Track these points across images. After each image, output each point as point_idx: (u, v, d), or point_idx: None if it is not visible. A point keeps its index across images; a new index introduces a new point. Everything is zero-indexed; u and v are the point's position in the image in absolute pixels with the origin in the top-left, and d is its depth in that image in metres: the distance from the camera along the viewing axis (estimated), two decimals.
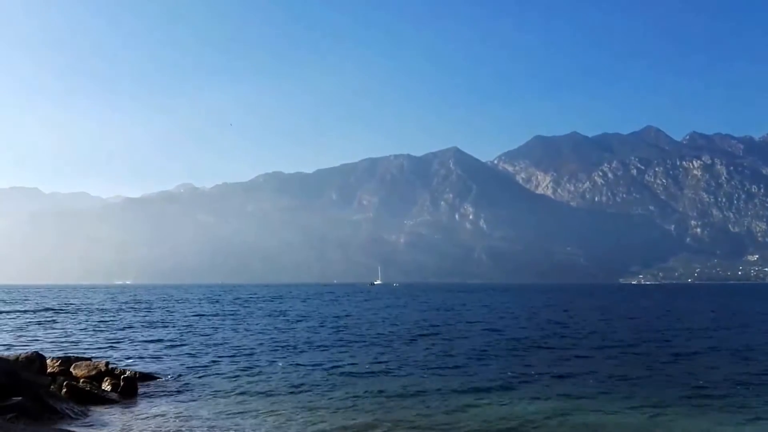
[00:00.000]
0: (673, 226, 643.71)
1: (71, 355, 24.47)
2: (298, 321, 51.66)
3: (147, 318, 55.60)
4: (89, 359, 22.36)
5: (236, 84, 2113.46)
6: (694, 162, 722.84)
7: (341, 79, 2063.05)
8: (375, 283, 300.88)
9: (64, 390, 17.63)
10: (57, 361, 20.98)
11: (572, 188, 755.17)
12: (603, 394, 19.40)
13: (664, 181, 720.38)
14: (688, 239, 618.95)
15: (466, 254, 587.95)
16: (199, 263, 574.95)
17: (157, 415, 16.77)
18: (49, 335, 38.18)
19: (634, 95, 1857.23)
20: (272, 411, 17.23)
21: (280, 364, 25.71)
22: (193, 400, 18.68)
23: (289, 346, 32.41)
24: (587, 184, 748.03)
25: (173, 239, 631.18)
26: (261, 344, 33.12)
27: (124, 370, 21.63)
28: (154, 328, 44.46)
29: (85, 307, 77.18)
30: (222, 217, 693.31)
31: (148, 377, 22.13)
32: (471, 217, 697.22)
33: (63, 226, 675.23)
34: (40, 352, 20.48)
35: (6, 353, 22.80)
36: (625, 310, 71.46)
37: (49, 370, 19.69)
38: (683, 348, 31.62)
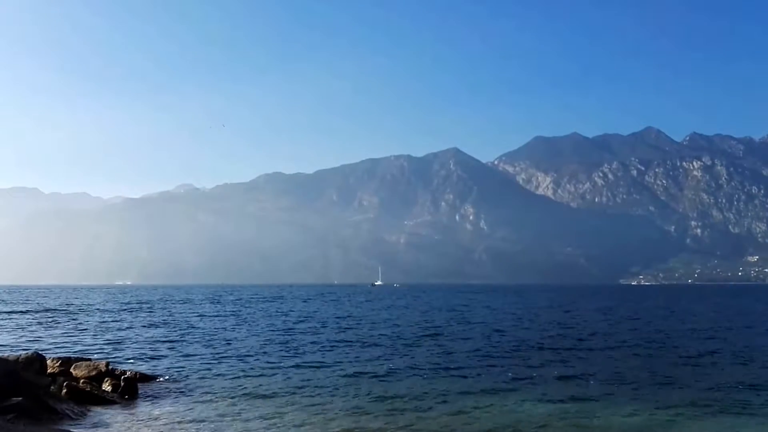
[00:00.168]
0: (673, 226, 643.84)
1: (71, 355, 24.42)
2: (300, 322, 51.48)
3: (148, 318, 55.54)
4: (89, 360, 22.28)
5: (236, 84, 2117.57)
6: (695, 163, 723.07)
7: (342, 79, 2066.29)
8: (376, 283, 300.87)
9: (64, 390, 17.56)
10: (57, 362, 20.91)
11: (572, 189, 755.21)
12: (607, 396, 19.28)
13: (664, 181, 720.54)
14: (688, 240, 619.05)
15: (467, 255, 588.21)
16: (199, 264, 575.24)
17: (158, 416, 16.69)
18: (50, 336, 38.12)
19: (634, 96, 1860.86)
20: (274, 413, 17.08)
21: (283, 366, 25.56)
22: (194, 401, 18.58)
23: (291, 347, 32.26)
24: (587, 184, 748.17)
25: (173, 240, 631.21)
26: (263, 345, 32.98)
27: (124, 370, 21.57)
28: (155, 328, 44.38)
29: (85, 307, 77.14)
30: (222, 218, 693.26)
31: (148, 378, 22.07)
32: (471, 217, 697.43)
33: (63, 226, 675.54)
34: (40, 353, 20.38)
35: (6, 354, 22.70)
36: (627, 311, 71.31)
37: (49, 371, 19.60)
38: (687, 349, 31.47)
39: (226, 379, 22.24)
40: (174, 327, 45.43)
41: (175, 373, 23.46)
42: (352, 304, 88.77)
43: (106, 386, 19.38)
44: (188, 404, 18.19)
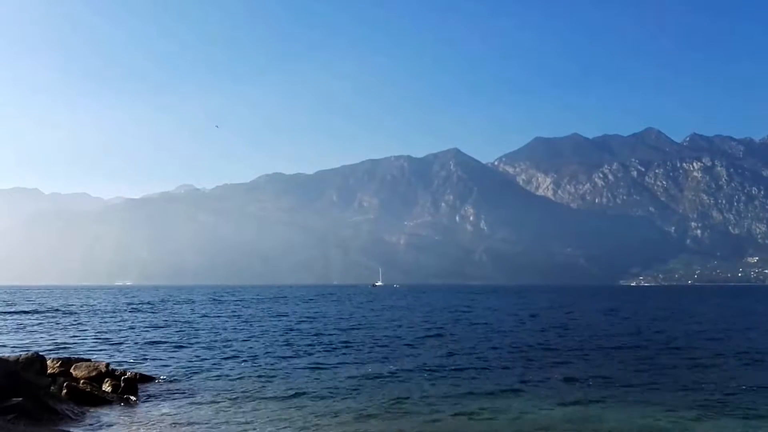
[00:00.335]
0: (673, 227, 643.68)
1: (71, 356, 24.45)
2: (302, 323, 51.31)
3: (148, 319, 55.55)
4: (89, 360, 22.30)
5: (236, 84, 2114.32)
6: (695, 164, 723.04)
7: (342, 79, 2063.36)
8: (376, 284, 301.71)
9: (64, 391, 17.57)
10: (57, 362, 20.92)
11: (572, 190, 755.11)
12: (613, 398, 19.13)
13: (664, 182, 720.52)
14: (688, 241, 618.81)
15: (467, 255, 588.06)
16: (199, 264, 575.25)
17: (158, 417, 16.68)
18: (50, 336, 38.13)
19: (634, 96, 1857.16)
20: (275, 415, 16.98)
21: (285, 367, 25.41)
22: (195, 402, 18.54)
23: (293, 348, 32.07)
24: (587, 185, 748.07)
25: (174, 240, 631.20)
26: (265, 346, 32.85)
27: (124, 371, 21.58)
28: (156, 329, 44.38)
29: (85, 308, 77.16)
30: (223, 218, 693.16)
31: (148, 379, 22.09)
32: (471, 218, 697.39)
33: (63, 226, 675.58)
34: (41, 353, 20.42)
35: (6, 354, 22.74)
36: (629, 312, 71.11)
37: (49, 371, 19.61)
38: (692, 351, 31.30)
39: (227, 380, 22.17)
40: (175, 328, 45.42)
41: (176, 374, 23.44)
42: (354, 305, 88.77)
43: (106, 387, 19.40)
44: (188, 405, 18.16)
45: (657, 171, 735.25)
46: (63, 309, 72.55)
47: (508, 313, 66.46)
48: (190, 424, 16.10)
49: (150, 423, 16.06)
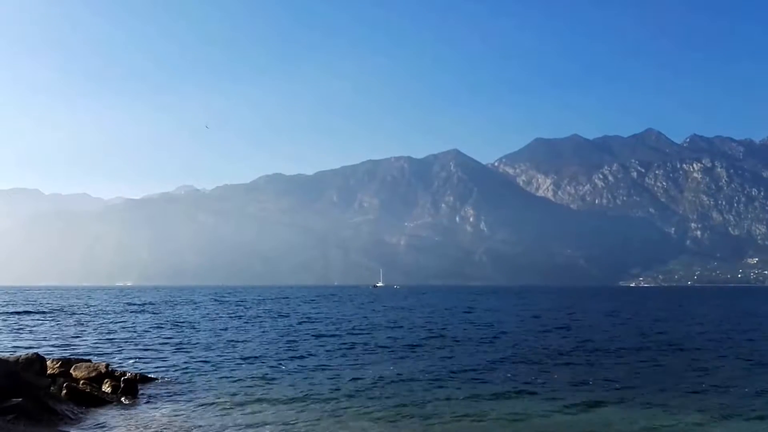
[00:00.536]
0: (673, 228, 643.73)
1: (71, 356, 24.45)
2: (304, 324, 51.07)
3: (149, 320, 55.52)
4: (89, 361, 22.30)
5: (237, 84, 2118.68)
6: (695, 165, 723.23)
7: (342, 79, 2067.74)
8: (377, 285, 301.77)
9: (64, 391, 17.56)
10: (57, 363, 20.91)
11: (572, 191, 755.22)
12: (620, 402, 18.88)
13: (664, 183, 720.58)
14: (688, 242, 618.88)
15: (467, 256, 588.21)
16: (199, 265, 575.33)
17: (157, 418, 16.64)
18: (50, 337, 38.11)
19: (634, 97, 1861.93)
20: (276, 418, 16.78)
21: (287, 369, 25.24)
22: (195, 403, 18.49)
23: (296, 350, 31.75)
24: (587, 186, 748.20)
25: (174, 241, 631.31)
26: (267, 348, 32.64)
27: (124, 371, 21.58)
28: (156, 330, 44.33)
29: (85, 308, 77.16)
30: (223, 219, 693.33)
31: (149, 379, 22.07)
32: (472, 219, 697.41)
33: (64, 227, 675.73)
34: (40, 354, 20.42)
35: (6, 355, 22.75)
36: (631, 313, 70.86)
37: (49, 372, 19.60)
38: (699, 353, 31.06)
39: (228, 382, 22.07)
40: (176, 328, 45.37)
41: (176, 375, 23.38)
42: (355, 306, 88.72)
43: (106, 387, 19.40)
44: (188, 406, 18.11)
45: (657, 172, 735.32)
46: (63, 309, 72.53)
47: (510, 314, 66.37)
48: (189, 425, 16.06)
49: (150, 424, 16.01)
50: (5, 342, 34.33)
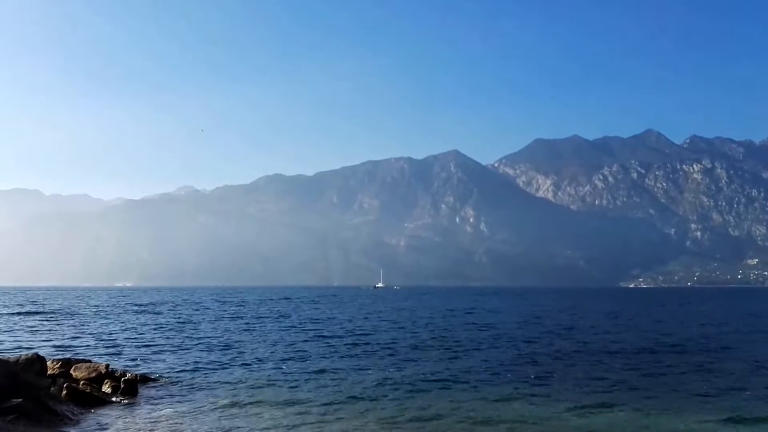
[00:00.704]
0: (673, 229, 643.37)
1: (72, 357, 24.48)
2: (306, 324, 50.88)
3: (149, 320, 55.52)
4: (89, 361, 22.34)
5: (237, 84, 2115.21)
6: (695, 166, 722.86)
7: (342, 80, 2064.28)
8: (378, 286, 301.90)
9: (64, 392, 17.58)
10: (57, 363, 20.93)
11: (572, 191, 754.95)
12: (623, 403, 18.67)
13: (664, 184, 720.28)
14: (687, 243, 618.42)
15: (467, 257, 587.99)
16: (200, 265, 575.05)
17: (157, 418, 16.65)
18: (50, 337, 38.13)
19: (634, 98, 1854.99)
20: (277, 422, 16.59)
21: (289, 371, 25.07)
22: (195, 405, 18.48)
23: (298, 352, 31.49)
24: (587, 187, 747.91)
25: (174, 241, 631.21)
26: (269, 349, 32.47)
27: (124, 372, 21.61)
28: (157, 330, 44.32)
29: (86, 309, 77.17)
30: (223, 219, 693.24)
31: (149, 379, 22.09)
32: (472, 220, 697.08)
33: (64, 228, 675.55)
34: (41, 354, 20.47)
35: (6, 355, 22.79)
36: (633, 314, 70.70)
37: (49, 372, 19.61)
38: (701, 354, 30.88)
39: (229, 383, 22.01)
40: (176, 329, 45.35)
41: (177, 376, 23.35)
42: (357, 306, 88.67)
43: (106, 388, 19.44)
44: (189, 407, 18.10)
45: (657, 173, 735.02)
46: (63, 310, 72.56)
47: (512, 315, 66.31)
48: (189, 426, 16.06)
49: (149, 424, 16.01)
50: (6, 342, 34.31)
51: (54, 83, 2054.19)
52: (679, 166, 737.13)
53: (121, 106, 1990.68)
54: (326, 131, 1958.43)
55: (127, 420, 16.47)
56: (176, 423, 16.23)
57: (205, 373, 24.06)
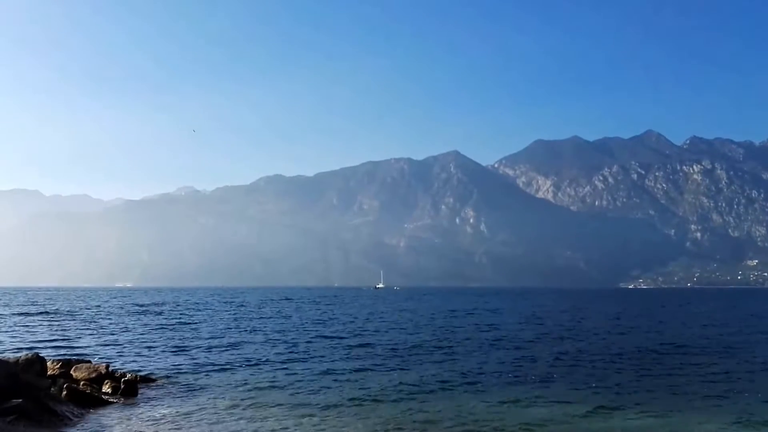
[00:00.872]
0: (673, 230, 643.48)
1: (72, 357, 24.39)
2: (307, 325, 50.80)
3: (150, 321, 55.44)
4: (90, 362, 22.25)
5: (236, 84, 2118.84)
6: (695, 166, 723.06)
7: (342, 81, 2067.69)
8: (378, 286, 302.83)
9: (64, 392, 17.49)
10: (57, 364, 20.85)
11: (572, 192, 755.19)
12: (631, 407, 18.48)
13: (664, 185, 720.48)
14: (687, 244, 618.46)
15: (467, 258, 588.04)
16: (200, 266, 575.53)
17: (157, 418, 16.59)
18: (50, 338, 38.01)
19: (634, 100, 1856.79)
20: (277, 424, 16.46)
21: (290, 372, 24.97)
22: (195, 406, 18.38)
23: (300, 352, 31.39)
24: (587, 188, 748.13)
25: (174, 242, 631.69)
26: (270, 350, 32.34)
27: (124, 372, 21.54)
28: (158, 330, 44.24)
29: (86, 309, 77.08)
30: (223, 220, 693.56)
31: (149, 380, 22.01)
32: (472, 220, 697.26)
33: (64, 228, 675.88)
34: (41, 355, 20.37)
35: (6, 356, 22.70)
36: (634, 315, 70.45)
37: (49, 373, 19.53)
38: (706, 356, 30.78)
39: (229, 384, 21.90)
40: (176, 329, 45.27)
41: (177, 377, 23.26)
42: (358, 307, 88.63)
43: (106, 388, 19.36)
44: (189, 408, 18.01)
45: (657, 174, 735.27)
46: (64, 310, 72.46)
47: (513, 316, 66.20)
48: (189, 425, 15.98)
49: (150, 425, 15.93)
50: (6, 343, 34.23)
51: (54, 83, 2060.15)
52: (679, 167, 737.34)
53: (121, 106, 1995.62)
54: (326, 132, 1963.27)
55: (127, 420, 16.37)
56: (176, 424, 16.13)
57: (206, 374, 23.94)
